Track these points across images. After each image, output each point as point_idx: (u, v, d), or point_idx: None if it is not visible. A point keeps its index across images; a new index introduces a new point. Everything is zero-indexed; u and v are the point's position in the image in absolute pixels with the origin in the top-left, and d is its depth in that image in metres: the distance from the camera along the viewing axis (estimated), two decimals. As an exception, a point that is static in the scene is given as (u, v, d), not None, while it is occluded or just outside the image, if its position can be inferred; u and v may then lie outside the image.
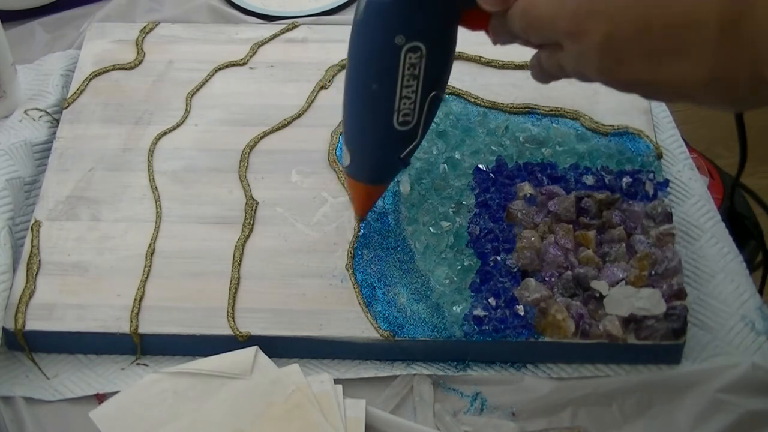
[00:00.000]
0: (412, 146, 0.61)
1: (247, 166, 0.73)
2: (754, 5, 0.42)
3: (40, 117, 0.77)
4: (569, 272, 0.64)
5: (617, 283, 0.63)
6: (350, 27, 0.83)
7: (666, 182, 0.70)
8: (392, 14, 0.55)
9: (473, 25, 0.57)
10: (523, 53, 0.78)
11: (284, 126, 0.76)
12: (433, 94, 0.58)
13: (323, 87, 0.78)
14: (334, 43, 0.82)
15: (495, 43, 0.57)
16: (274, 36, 0.83)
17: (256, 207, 0.70)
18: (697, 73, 0.46)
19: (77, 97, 0.78)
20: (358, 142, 0.62)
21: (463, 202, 0.69)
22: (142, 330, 0.63)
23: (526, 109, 0.75)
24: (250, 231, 0.69)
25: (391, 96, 0.58)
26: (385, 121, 0.59)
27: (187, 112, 0.77)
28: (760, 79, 0.44)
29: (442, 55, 0.58)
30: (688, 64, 0.46)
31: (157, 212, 0.70)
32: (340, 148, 0.73)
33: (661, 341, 0.62)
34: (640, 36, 0.46)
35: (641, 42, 0.46)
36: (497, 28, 0.55)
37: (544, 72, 0.55)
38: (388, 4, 0.55)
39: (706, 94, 0.47)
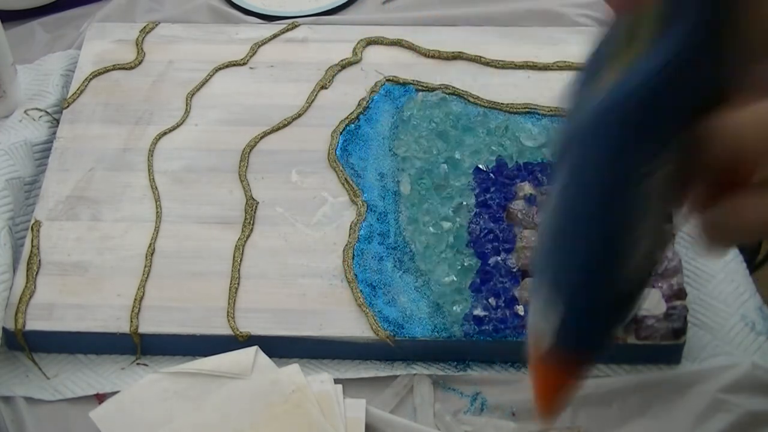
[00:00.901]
0: (632, 310, 0.44)
1: (247, 166, 0.73)
2: None
3: (40, 117, 0.77)
4: (569, 272, 0.64)
5: (617, 283, 0.63)
6: (350, 27, 0.83)
7: (666, 182, 0.70)
8: (636, 123, 0.38)
9: None
10: (523, 53, 0.80)
11: (284, 126, 0.76)
12: (668, 226, 0.43)
13: (323, 87, 0.78)
14: (334, 43, 0.82)
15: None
16: (274, 36, 0.83)
17: (256, 207, 0.70)
18: None
19: (77, 97, 0.78)
20: (575, 294, 0.43)
21: (463, 202, 0.69)
22: (142, 330, 0.63)
23: (526, 109, 0.75)
24: (250, 231, 0.69)
25: (627, 233, 0.41)
26: (613, 270, 0.42)
27: (187, 112, 0.77)
28: None
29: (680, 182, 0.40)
30: None
31: (157, 212, 0.70)
32: (341, 149, 0.73)
33: (661, 341, 0.62)
34: None
35: None
36: None
37: (733, 232, 0.37)
38: (630, 109, 0.37)
39: None
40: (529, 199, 0.68)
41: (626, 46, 0.37)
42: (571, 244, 0.42)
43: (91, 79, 0.79)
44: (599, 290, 0.42)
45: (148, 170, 0.72)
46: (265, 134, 0.75)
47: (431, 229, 0.67)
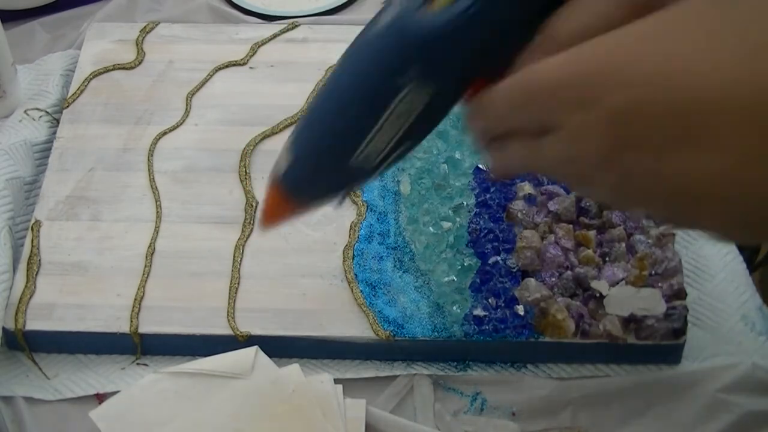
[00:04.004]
0: (352, 189, 0.55)
1: (247, 166, 0.73)
2: None
3: (40, 117, 0.77)
4: (569, 272, 0.64)
5: (617, 283, 0.63)
6: (350, 27, 0.83)
7: (666, 182, 0.70)
8: (420, 43, 0.45)
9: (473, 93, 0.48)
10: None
11: (285, 126, 0.76)
12: (407, 144, 0.49)
13: (323, 87, 0.78)
14: (335, 43, 0.82)
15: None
16: (274, 36, 0.83)
17: (256, 207, 0.70)
18: (718, 166, 0.37)
19: (77, 97, 0.78)
20: (306, 153, 0.52)
21: (463, 202, 0.69)
22: (142, 330, 0.63)
23: (526, 109, 0.75)
24: (250, 231, 0.69)
25: (365, 129, 0.48)
26: (344, 151, 0.50)
27: (187, 112, 0.77)
28: None
29: (441, 112, 0.49)
30: (709, 154, 0.37)
31: (157, 212, 0.70)
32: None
33: (661, 341, 0.62)
34: (661, 111, 0.38)
35: (662, 119, 0.38)
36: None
37: (508, 169, 0.48)
38: (422, 30, 0.45)
39: (725, 199, 0.38)
40: (529, 199, 0.68)
41: None
42: (321, 113, 0.51)
43: (91, 79, 0.79)
44: (322, 162, 0.52)
45: (148, 170, 0.72)
46: (265, 135, 0.75)
47: (431, 229, 0.67)
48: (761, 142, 0.36)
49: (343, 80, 0.50)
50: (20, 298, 0.64)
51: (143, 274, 0.66)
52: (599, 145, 0.40)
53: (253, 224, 0.69)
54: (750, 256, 1.09)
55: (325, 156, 0.51)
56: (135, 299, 0.64)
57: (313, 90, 0.78)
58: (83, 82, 0.79)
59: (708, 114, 0.37)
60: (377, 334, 0.63)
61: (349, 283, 0.65)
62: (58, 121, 0.76)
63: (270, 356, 0.62)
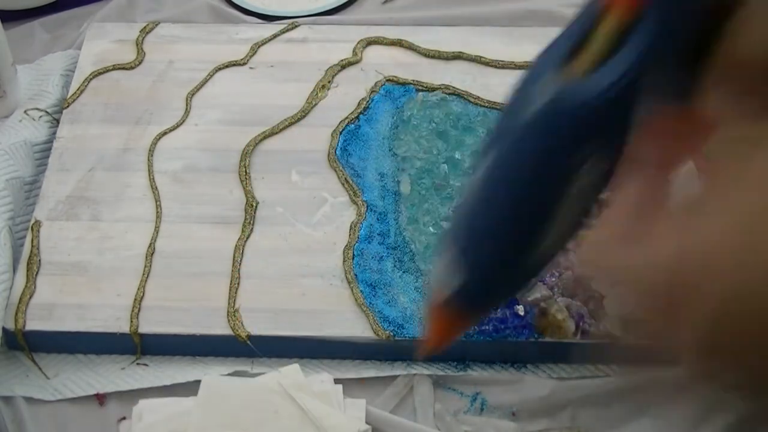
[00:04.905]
0: (533, 283, 0.50)
1: (247, 166, 0.73)
2: None
3: (40, 117, 0.77)
4: (569, 272, 0.64)
5: (617, 283, 0.63)
6: (350, 27, 0.83)
7: (666, 182, 0.70)
8: (595, 116, 0.41)
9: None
10: (523, 53, 0.80)
11: (285, 126, 0.76)
12: (585, 222, 0.46)
13: (323, 87, 0.78)
14: (334, 43, 0.82)
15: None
16: (274, 36, 0.83)
17: (256, 207, 0.70)
18: None
19: (77, 97, 0.78)
20: (482, 264, 0.47)
21: (463, 202, 0.69)
22: (142, 330, 0.63)
23: (526, 109, 0.75)
24: (250, 231, 0.69)
25: (545, 222, 0.44)
26: (525, 251, 0.45)
27: (187, 112, 0.77)
28: None
29: (613, 175, 0.45)
30: None
31: (157, 212, 0.70)
32: (341, 149, 0.73)
33: (661, 341, 0.62)
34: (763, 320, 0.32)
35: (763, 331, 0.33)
36: None
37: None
38: (593, 101, 0.40)
39: None
40: (529, 199, 0.68)
41: (575, 56, 0.40)
42: (488, 219, 0.46)
43: (91, 79, 0.79)
44: (502, 269, 0.47)
45: (148, 170, 0.72)
46: (265, 135, 0.75)
47: (431, 229, 0.67)
48: None
49: (505, 177, 0.44)
50: (20, 298, 0.64)
51: (143, 274, 0.66)
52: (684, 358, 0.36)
53: (252, 224, 0.69)
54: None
55: (505, 262, 0.46)
56: (135, 299, 0.64)
57: (313, 90, 0.78)
58: (83, 82, 0.79)
59: None
60: (377, 334, 0.63)
61: (349, 283, 0.65)
62: (58, 121, 0.76)
63: (270, 356, 0.62)
